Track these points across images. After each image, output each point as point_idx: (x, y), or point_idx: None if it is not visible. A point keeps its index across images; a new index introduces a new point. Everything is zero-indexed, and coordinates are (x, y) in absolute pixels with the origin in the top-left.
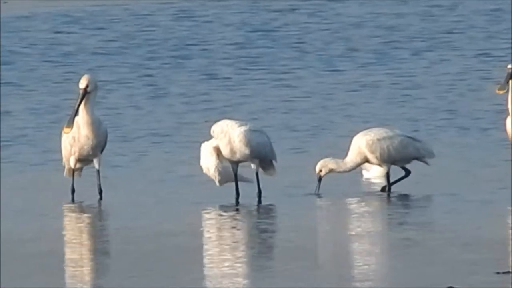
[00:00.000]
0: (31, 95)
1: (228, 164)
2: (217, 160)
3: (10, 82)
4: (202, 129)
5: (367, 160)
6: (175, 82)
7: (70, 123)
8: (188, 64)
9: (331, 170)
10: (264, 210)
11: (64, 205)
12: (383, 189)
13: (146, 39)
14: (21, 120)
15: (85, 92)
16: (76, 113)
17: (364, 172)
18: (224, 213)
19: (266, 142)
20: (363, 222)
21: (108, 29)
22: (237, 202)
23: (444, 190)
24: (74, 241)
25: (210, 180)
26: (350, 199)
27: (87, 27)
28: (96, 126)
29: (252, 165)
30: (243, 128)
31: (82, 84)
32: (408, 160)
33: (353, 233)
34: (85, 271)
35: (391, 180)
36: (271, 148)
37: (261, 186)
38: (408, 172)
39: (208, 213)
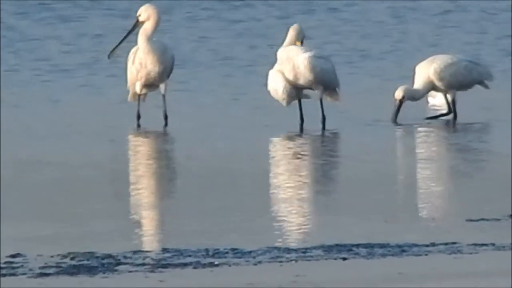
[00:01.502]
0: (94, 18)
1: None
2: (285, 82)
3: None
4: (267, 55)
5: (434, 88)
6: (238, 8)
7: (113, 52)
8: None
9: (410, 98)
10: (328, 136)
11: (130, 130)
12: (430, 118)
13: None
14: (84, 44)
15: (137, 21)
16: (121, 42)
17: (430, 99)
18: (288, 139)
19: (330, 69)
20: (425, 148)
21: None
22: (302, 128)
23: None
24: (139, 166)
25: (274, 106)
26: (415, 125)
27: None
28: (159, 53)
29: (316, 91)
30: (307, 54)
31: (137, 13)
32: (472, 85)
33: (414, 159)
34: (150, 195)
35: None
36: (335, 75)
37: (325, 112)
38: (450, 111)
39: (272, 138)
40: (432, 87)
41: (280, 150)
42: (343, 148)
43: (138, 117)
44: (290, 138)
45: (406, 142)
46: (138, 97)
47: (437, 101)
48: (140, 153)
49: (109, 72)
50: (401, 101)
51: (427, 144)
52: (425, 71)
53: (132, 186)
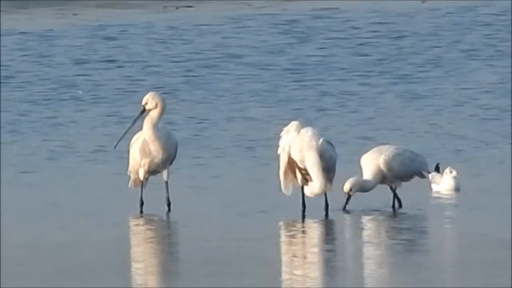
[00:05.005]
0: (102, 105)
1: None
2: (283, 168)
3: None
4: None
5: (383, 178)
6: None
7: (118, 142)
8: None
9: (360, 189)
10: (330, 223)
11: (133, 217)
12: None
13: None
14: (89, 129)
15: (144, 109)
16: (127, 131)
17: (433, 185)
18: (289, 225)
19: (335, 158)
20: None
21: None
22: (304, 215)
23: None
24: (142, 252)
25: (276, 191)
26: (420, 211)
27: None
28: (164, 141)
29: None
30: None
31: (143, 101)
32: (413, 176)
33: (415, 248)
34: (153, 278)
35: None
36: (335, 165)
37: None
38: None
39: (273, 224)
40: (382, 177)
41: (280, 235)
42: (343, 235)
43: (141, 203)
44: (291, 224)
45: (405, 229)
46: (141, 183)
47: (441, 187)
48: (142, 238)
49: (113, 159)
50: (349, 194)
51: (423, 230)
52: (374, 162)
53: (134, 272)
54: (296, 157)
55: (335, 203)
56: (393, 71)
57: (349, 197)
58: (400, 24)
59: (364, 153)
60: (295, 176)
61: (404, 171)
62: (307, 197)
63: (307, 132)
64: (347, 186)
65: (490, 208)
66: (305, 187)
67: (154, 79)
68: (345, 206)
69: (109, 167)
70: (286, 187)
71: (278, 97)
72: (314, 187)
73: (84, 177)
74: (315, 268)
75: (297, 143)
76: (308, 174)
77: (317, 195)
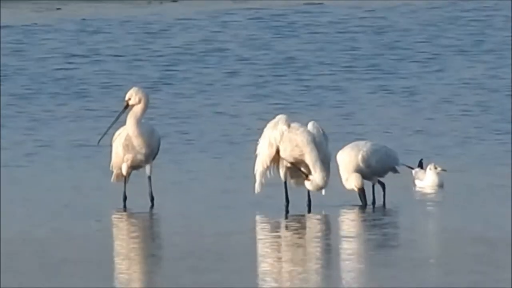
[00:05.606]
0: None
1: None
2: (262, 167)
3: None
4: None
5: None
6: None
7: (102, 137)
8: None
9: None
10: (313, 219)
11: (116, 211)
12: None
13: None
14: (72, 123)
15: (127, 104)
16: (110, 126)
17: (417, 181)
18: (272, 220)
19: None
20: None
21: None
22: (287, 210)
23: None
24: (127, 247)
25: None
26: (400, 208)
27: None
28: (146, 136)
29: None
30: (310, 123)
31: (126, 96)
32: (388, 171)
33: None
34: (135, 273)
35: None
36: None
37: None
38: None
39: (256, 220)
40: (360, 174)
41: (261, 231)
42: (325, 229)
43: (125, 198)
44: (274, 219)
45: (389, 225)
46: (124, 178)
47: (425, 183)
48: (125, 233)
49: (96, 153)
50: (363, 189)
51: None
52: (353, 159)
53: (116, 267)
54: (287, 152)
55: (314, 200)
56: (376, 66)
57: (364, 192)
58: (384, 19)
59: (340, 149)
60: (277, 171)
61: (381, 167)
62: (309, 191)
63: (300, 127)
64: (360, 182)
65: (473, 204)
66: (307, 182)
67: (138, 73)
68: (366, 202)
69: (92, 162)
70: (260, 184)
71: (261, 91)
72: (317, 181)
73: (66, 171)
74: (299, 262)
75: (291, 138)
76: (300, 168)
77: (321, 188)
